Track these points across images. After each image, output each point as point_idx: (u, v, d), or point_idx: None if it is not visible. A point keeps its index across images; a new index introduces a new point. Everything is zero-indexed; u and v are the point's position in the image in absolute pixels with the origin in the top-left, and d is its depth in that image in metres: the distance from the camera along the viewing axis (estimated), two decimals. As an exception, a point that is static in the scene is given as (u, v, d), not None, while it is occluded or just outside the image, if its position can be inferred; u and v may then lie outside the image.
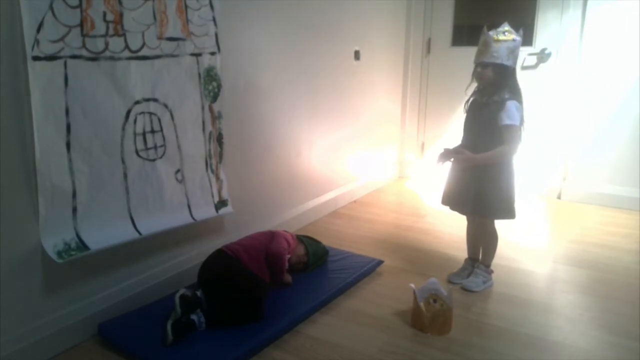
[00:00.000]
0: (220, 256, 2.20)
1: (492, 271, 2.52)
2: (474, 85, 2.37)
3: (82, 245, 1.88)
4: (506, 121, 2.22)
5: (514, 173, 2.36)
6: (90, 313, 2.02)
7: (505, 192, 2.33)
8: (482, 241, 2.52)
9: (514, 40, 2.20)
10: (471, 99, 2.38)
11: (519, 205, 2.40)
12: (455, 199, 2.44)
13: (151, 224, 2.13)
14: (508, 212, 2.36)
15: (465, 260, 2.60)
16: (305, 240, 2.57)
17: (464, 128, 2.42)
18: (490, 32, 2.20)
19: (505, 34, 2.18)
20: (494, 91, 2.26)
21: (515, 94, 2.28)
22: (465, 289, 2.44)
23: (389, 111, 4.32)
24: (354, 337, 2.07)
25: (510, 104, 2.23)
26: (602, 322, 2.18)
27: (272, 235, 2.40)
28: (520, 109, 2.27)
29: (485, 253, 2.52)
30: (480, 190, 2.32)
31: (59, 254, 1.81)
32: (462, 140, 2.43)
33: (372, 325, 2.16)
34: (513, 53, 2.21)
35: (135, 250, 2.16)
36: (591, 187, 3.78)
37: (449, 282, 2.51)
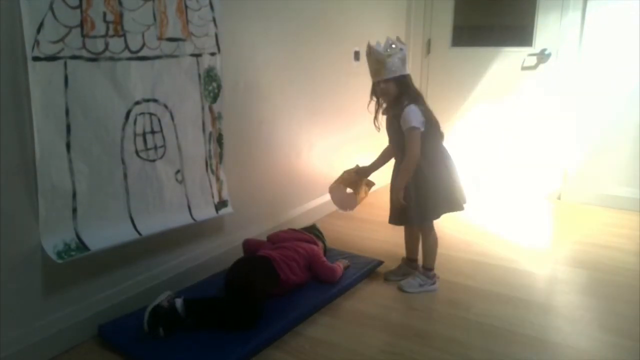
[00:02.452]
0: (263, 261, 2.25)
1: (435, 275, 2.49)
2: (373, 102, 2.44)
3: (82, 246, 1.87)
4: (408, 124, 2.25)
5: (442, 169, 2.34)
6: (90, 314, 2.02)
7: (420, 196, 2.31)
8: (422, 244, 2.52)
9: (401, 49, 2.26)
10: (379, 116, 2.45)
11: (464, 195, 2.39)
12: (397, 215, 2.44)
13: (151, 224, 2.13)
14: (425, 215, 2.36)
15: (402, 259, 2.63)
16: (316, 233, 2.64)
17: (390, 142, 2.48)
18: (379, 49, 2.25)
19: (393, 46, 2.24)
20: (398, 102, 2.31)
21: (414, 98, 2.30)
22: (400, 289, 2.45)
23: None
24: (354, 337, 2.07)
25: (407, 109, 2.26)
26: (603, 323, 2.18)
27: (309, 259, 2.39)
28: (420, 109, 2.28)
29: (424, 256, 2.51)
30: (410, 202, 2.32)
31: (59, 254, 1.81)
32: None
33: (372, 325, 2.16)
34: (404, 62, 2.28)
35: (135, 250, 2.16)
36: (591, 188, 3.78)
37: (386, 279, 2.55)
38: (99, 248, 1.93)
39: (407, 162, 2.27)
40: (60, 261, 1.80)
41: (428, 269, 2.48)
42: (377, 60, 2.27)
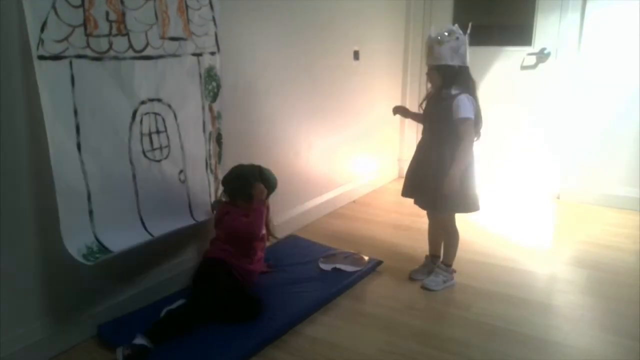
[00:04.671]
0: (209, 264, 2.22)
1: (454, 271, 2.52)
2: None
3: (104, 248, 1.86)
4: (461, 115, 2.22)
5: (471, 166, 2.34)
6: (90, 313, 2.02)
7: (459, 188, 2.30)
8: (442, 239, 2.53)
9: (457, 38, 2.21)
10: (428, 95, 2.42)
11: (480, 198, 2.37)
12: (413, 193, 2.45)
13: (159, 225, 2.12)
14: (465, 206, 2.34)
15: (426, 257, 2.63)
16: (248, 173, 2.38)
17: (423, 124, 2.46)
18: (433, 35, 2.23)
19: (450, 34, 2.20)
20: (441, 89, 2.28)
21: (466, 89, 2.27)
22: (424, 288, 2.45)
23: (389, 111, 4.29)
24: (353, 337, 2.07)
25: (462, 97, 2.23)
26: (603, 322, 2.18)
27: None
28: (473, 102, 2.26)
29: (445, 252, 2.53)
30: (436, 186, 2.31)
31: (85, 257, 1.80)
32: (422, 135, 2.46)
33: (372, 325, 2.16)
34: (457, 52, 2.23)
35: (135, 251, 2.15)
36: (591, 187, 3.78)
37: (410, 278, 2.55)
38: (120, 249, 1.92)
39: (464, 151, 2.23)
40: (89, 263, 1.79)
41: (449, 265, 2.51)
42: (427, 45, 2.26)
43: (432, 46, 2.22)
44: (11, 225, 1.72)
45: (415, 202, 2.48)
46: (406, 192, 2.49)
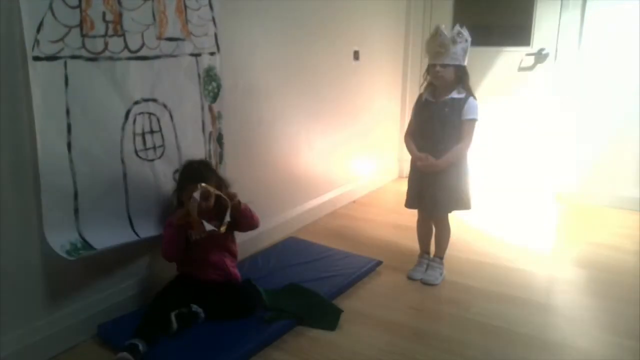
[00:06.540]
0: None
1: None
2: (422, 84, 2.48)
3: (88, 245, 1.87)
4: (470, 116, 2.32)
5: (467, 166, 2.43)
6: (90, 313, 2.02)
7: (457, 187, 2.40)
8: (437, 235, 2.59)
9: (466, 40, 2.29)
10: (423, 98, 2.44)
11: (474, 197, 2.46)
12: (421, 202, 2.50)
13: (149, 226, 2.12)
14: (463, 204, 2.44)
15: (420, 255, 2.66)
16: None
17: (418, 127, 2.46)
18: (448, 34, 2.27)
19: (460, 35, 2.27)
20: (451, 90, 2.34)
21: (470, 92, 2.37)
22: (426, 284, 2.50)
23: (389, 111, 4.32)
24: (353, 337, 2.07)
25: (473, 101, 2.33)
26: (602, 322, 2.18)
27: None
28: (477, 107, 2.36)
29: (441, 246, 2.59)
30: (436, 192, 2.41)
31: (69, 252, 1.80)
32: (418, 140, 2.46)
33: (372, 325, 2.16)
34: (466, 53, 2.32)
35: (135, 250, 2.16)
36: (591, 187, 3.77)
37: (409, 278, 2.57)
38: (104, 247, 1.92)
39: (461, 149, 2.34)
40: (72, 258, 1.80)
41: (441, 258, 2.58)
42: (441, 43, 2.28)
43: (448, 45, 2.26)
44: (11, 224, 1.72)
45: (421, 209, 2.53)
46: (412, 203, 2.53)
